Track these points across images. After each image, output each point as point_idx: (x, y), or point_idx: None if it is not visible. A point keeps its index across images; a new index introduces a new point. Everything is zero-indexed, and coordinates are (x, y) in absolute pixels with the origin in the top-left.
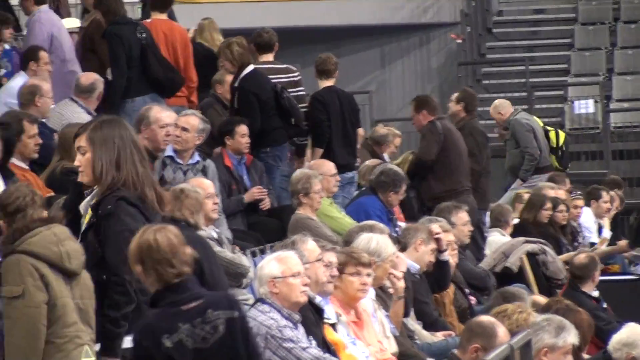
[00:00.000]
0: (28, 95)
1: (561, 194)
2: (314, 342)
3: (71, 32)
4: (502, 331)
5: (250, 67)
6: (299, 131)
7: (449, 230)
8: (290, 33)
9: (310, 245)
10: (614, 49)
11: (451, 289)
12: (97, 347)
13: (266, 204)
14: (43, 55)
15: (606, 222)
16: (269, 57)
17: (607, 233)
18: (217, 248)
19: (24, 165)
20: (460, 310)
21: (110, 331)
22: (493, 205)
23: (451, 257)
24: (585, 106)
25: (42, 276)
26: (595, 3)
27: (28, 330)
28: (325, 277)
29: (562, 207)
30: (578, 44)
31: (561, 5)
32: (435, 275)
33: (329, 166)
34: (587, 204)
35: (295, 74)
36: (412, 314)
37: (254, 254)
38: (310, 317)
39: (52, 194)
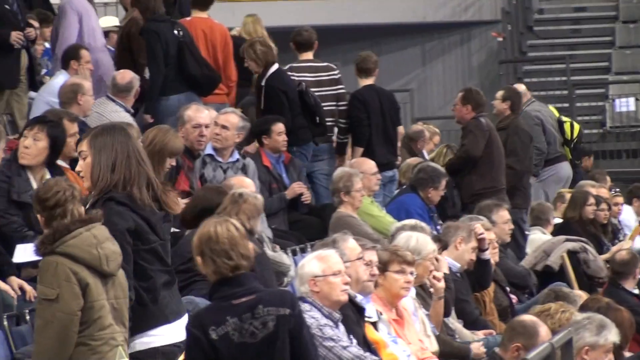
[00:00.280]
0: (70, 94)
1: (603, 192)
2: (354, 341)
3: (110, 31)
4: (543, 330)
5: (275, 66)
6: (323, 130)
7: (490, 228)
8: (331, 31)
9: (351, 244)
10: None
11: (492, 287)
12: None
13: (308, 197)
14: (84, 53)
15: None
16: (309, 55)
17: None
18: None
19: (65, 164)
20: (501, 308)
21: None
22: (534, 203)
23: (492, 255)
24: (626, 104)
25: (80, 280)
26: (637, 1)
27: (58, 335)
28: (365, 275)
29: (603, 205)
30: (619, 41)
31: (602, 3)
32: (476, 274)
33: (370, 165)
34: (628, 202)
35: (335, 72)
36: (452, 313)
37: (294, 253)
38: (351, 315)
39: None
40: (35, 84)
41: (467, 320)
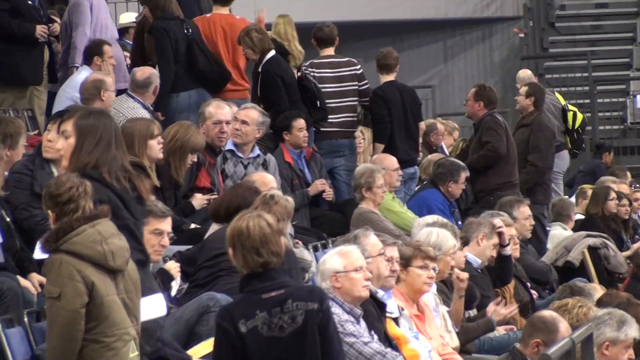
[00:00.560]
0: (93, 90)
1: (623, 187)
2: (375, 337)
3: (129, 27)
4: (563, 326)
5: (272, 52)
6: (324, 114)
7: (511, 224)
8: (352, 27)
9: (372, 240)
10: None
11: (512, 283)
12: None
13: (330, 194)
14: (107, 49)
15: None
16: (330, 51)
17: None
18: None
19: None
20: (522, 304)
21: None
22: (555, 199)
23: (513, 251)
24: None
25: (85, 278)
26: None
27: (63, 333)
28: (387, 271)
29: (624, 201)
30: None
31: None
32: (497, 269)
33: (392, 161)
34: None
35: (357, 67)
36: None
37: (315, 249)
38: (372, 311)
39: None
40: (55, 78)
41: None
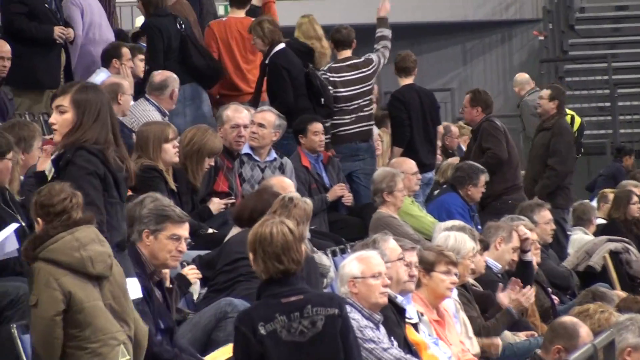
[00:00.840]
0: (110, 93)
1: None
2: (395, 343)
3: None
4: (584, 331)
5: (282, 45)
6: (329, 112)
7: (532, 229)
8: (370, 30)
9: (391, 244)
10: None
11: (533, 288)
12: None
13: (349, 199)
14: (125, 52)
15: None
16: (347, 53)
17: None
18: None
19: None
20: (543, 310)
21: None
22: (576, 203)
23: (534, 256)
24: None
25: (62, 285)
26: None
27: (42, 340)
28: (406, 276)
29: None
30: None
31: None
32: (518, 275)
33: (410, 164)
34: None
35: (374, 63)
36: None
37: (334, 254)
38: (392, 317)
39: (130, 192)
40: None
41: None
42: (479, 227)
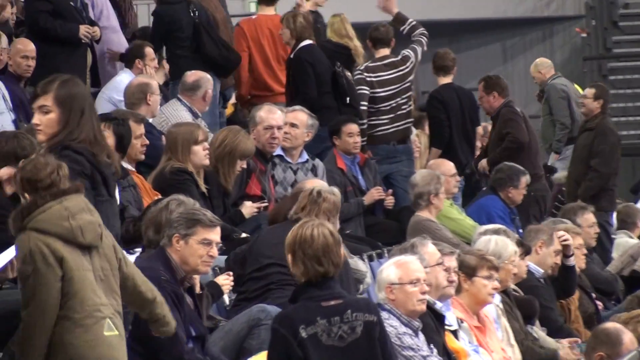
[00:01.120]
0: (139, 94)
1: None
2: (434, 350)
3: None
4: (627, 338)
5: (308, 41)
6: (354, 112)
7: (579, 233)
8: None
9: (430, 249)
10: None
11: (577, 294)
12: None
13: (391, 202)
14: (149, 51)
15: None
16: (386, 51)
17: None
18: None
19: (130, 167)
20: (587, 315)
21: None
22: (620, 206)
23: (578, 261)
24: None
25: (54, 251)
26: None
27: (38, 309)
28: (445, 281)
29: None
30: None
31: None
32: (561, 280)
33: (449, 166)
34: None
35: (412, 60)
36: (537, 321)
37: (370, 258)
38: (431, 323)
39: (159, 196)
40: (98, 82)
41: (551, 327)
42: (520, 230)
